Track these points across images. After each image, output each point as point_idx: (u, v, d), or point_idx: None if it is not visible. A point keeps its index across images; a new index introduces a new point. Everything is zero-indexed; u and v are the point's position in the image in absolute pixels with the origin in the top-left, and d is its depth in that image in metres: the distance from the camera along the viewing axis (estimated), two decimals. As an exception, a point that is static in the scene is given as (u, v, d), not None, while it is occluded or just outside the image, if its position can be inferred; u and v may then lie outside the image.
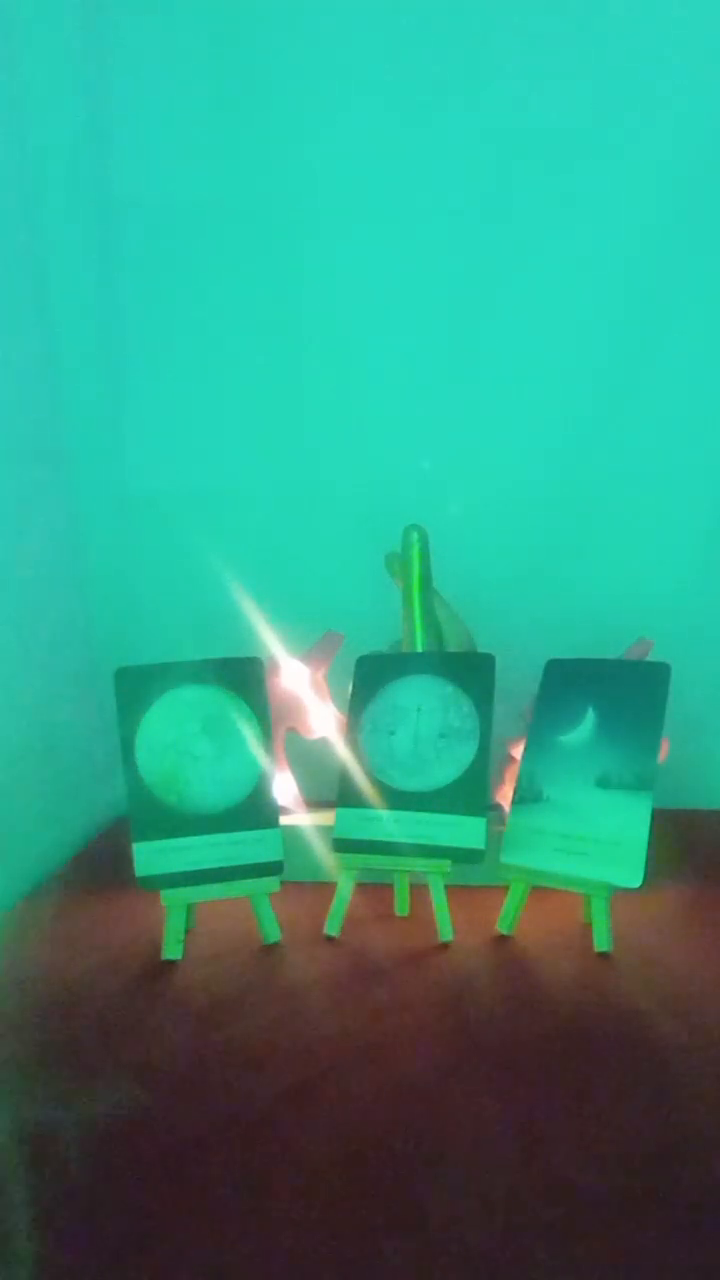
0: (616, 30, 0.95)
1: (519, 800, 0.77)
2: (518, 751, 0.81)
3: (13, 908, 0.84)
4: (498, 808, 0.86)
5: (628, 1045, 0.59)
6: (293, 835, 0.82)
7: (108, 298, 1.04)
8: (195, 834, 0.73)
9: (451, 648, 0.88)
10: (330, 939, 0.76)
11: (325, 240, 1.02)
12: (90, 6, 0.97)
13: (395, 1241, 0.43)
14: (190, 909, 0.75)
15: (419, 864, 0.75)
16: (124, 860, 0.73)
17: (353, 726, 0.80)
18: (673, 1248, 0.43)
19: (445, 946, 0.74)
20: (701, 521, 1.05)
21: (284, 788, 0.89)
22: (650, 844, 0.69)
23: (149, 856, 0.72)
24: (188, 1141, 0.51)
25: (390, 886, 0.81)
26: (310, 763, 0.90)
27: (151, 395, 1.07)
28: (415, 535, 0.85)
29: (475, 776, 0.74)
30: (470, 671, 0.77)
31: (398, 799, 0.76)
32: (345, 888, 0.77)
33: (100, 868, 0.92)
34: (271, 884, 0.74)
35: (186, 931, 0.74)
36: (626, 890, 0.70)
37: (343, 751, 0.80)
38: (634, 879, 0.69)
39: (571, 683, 0.79)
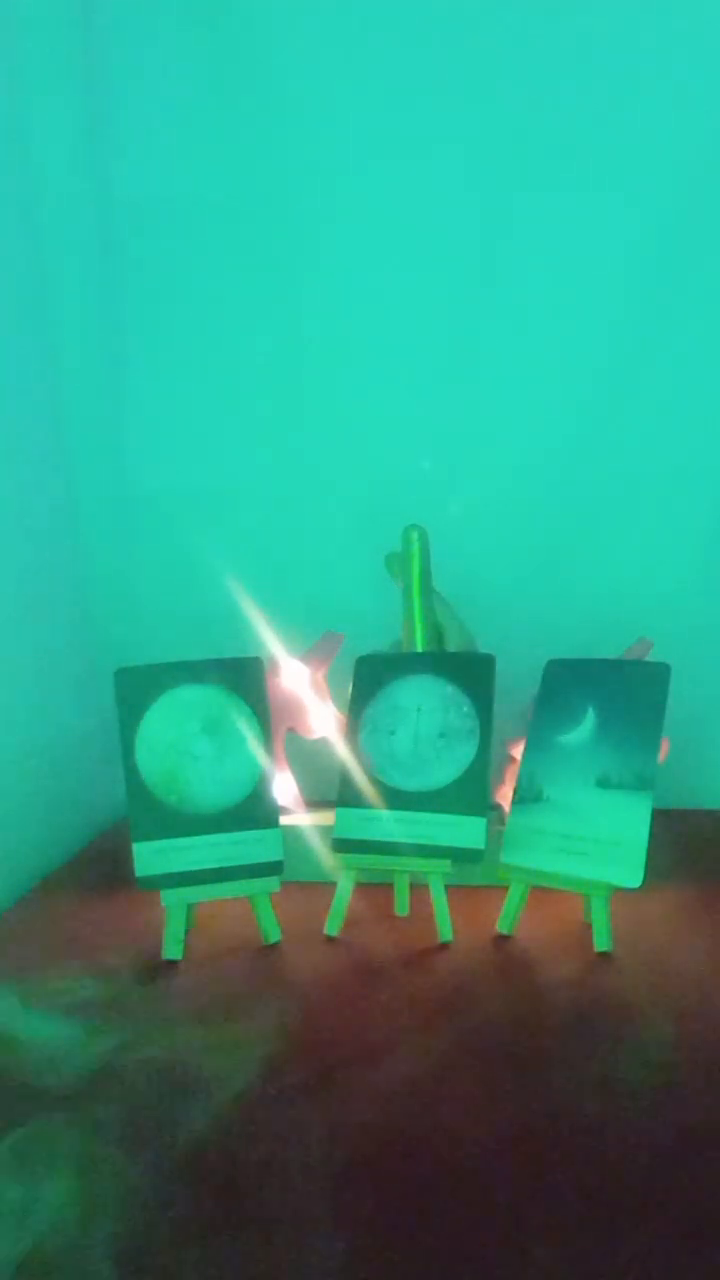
0: (617, 30, 0.95)
1: (519, 800, 0.77)
2: (518, 751, 0.81)
3: (12, 907, 0.84)
4: (498, 808, 0.86)
5: (628, 1045, 0.59)
6: (293, 835, 0.82)
7: (107, 297, 1.04)
8: (195, 834, 0.73)
9: (451, 648, 0.88)
10: (330, 939, 0.76)
11: (325, 240, 1.02)
12: (90, 6, 0.97)
13: (394, 1242, 0.43)
14: (190, 909, 0.75)
15: (419, 864, 0.75)
16: (124, 860, 0.73)
17: (353, 726, 0.80)
18: (674, 1248, 0.43)
19: (445, 946, 0.74)
20: (701, 521, 1.05)
21: (284, 788, 0.89)
22: (650, 844, 0.69)
23: (149, 856, 0.72)
24: (187, 1142, 0.51)
25: (390, 886, 0.81)
26: (310, 763, 0.90)
27: (151, 395, 1.07)
28: (415, 535, 0.85)
29: (475, 776, 0.74)
30: (470, 671, 0.77)
31: (398, 799, 0.76)
32: (345, 888, 0.77)
33: (100, 868, 0.93)
34: (271, 884, 0.74)
35: (186, 931, 0.74)
36: (626, 890, 0.70)
37: (343, 751, 0.80)
38: (634, 879, 0.69)
39: (571, 683, 0.79)
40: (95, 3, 0.97)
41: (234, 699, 0.76)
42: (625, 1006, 0.64)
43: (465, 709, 0.76)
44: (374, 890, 0.80)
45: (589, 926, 0.73)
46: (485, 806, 0.74)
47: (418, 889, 0.79)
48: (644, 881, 0.69)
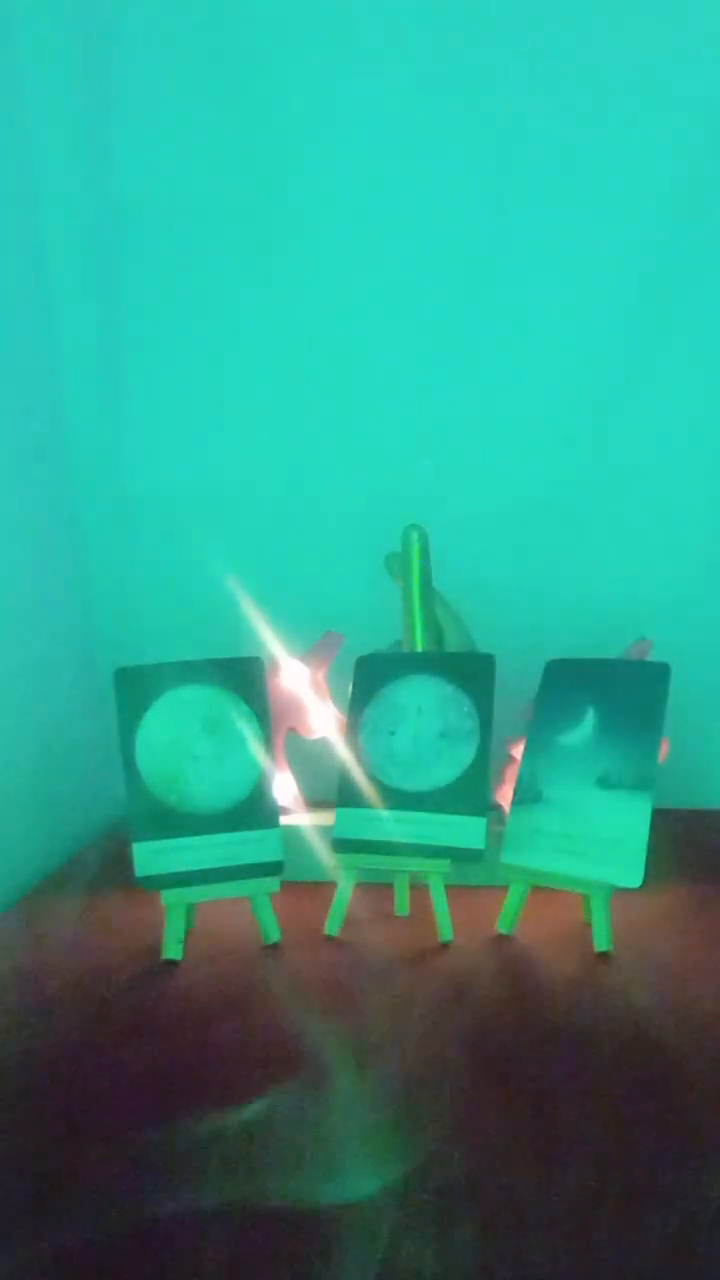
0: (617, 28, 0.95)
1: (519, 800, 0.77)
2: (518, 751, 0.81)
3: (12, 907, 0.84)
4: (498, 808, 0.86)
5: (627, 1045, 0.59)
6: (293, 835, 0.82)
7: (108, 297, 1.04)
8: (195, 834, 0.73)
9: (451, 648, 0.88)
10: (330, 939, 0.76)
11: (326, 240, 1.03)
12: (90, 6, 0.97)
13: (395, 1242, 0.43)
14: (190, 909, 0.75)
15: (419, 864, 0.75)
16: (124, 860, 0.73)
17: (353, 726, 0.80)
18: (674, 1249, 0.43)
19: (445, 946, 0.74)
20: (702, 522, 1.06)
21: (284, 788, 0.89)
22: (650, 844, 0.69)
23: (149, 856, 0.72)
24: (187, 1142, 0.51)
25: (390, 886, 0.81)
26: (310, 763, 0.90)
27: (151, 395, 1.08)
28: (415, 535, 0.85)
29: (475, 776, 0.74)
30: (470, 671, 0.77)
31: (397, 799, 0.76)
32: (345, 888, 0.77)
33: (100, 868, 0.93)
34: (271, 884, 0.74)
35: (186, 932, 0.74)
36: (626, 890, 0.70)
37: (343, 751, 0.80)
38: (634, 879, 0.69)
39: (571, 683, 0.79)
40: (95, 2, 0.97)
41: (234, 699, 0.76)
42: (625, 1006, 0.64)
43: (465, 709, 0.76)
44: (374, 890, 0.80)
45: (589, 926, 0.73)
46: (485, 806, 0.74)
47: (418, 889, 0.79)
48: (644, 881, 0.69)
